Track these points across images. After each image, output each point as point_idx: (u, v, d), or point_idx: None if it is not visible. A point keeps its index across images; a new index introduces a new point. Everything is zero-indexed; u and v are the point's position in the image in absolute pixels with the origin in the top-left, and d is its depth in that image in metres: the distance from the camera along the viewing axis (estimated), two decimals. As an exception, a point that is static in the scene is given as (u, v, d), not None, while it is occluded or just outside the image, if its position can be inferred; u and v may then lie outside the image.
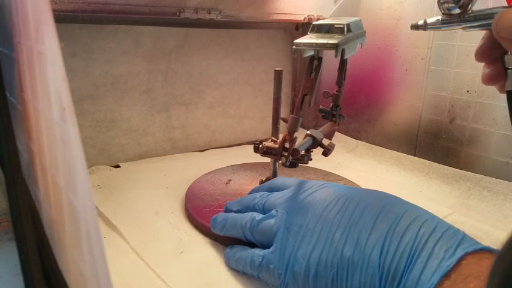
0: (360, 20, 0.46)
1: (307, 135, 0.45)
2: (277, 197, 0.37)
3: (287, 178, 0.42)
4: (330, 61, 0.78)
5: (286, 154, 0.41)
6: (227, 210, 0.42)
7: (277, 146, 0.41)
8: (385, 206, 0.31)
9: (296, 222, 0.33)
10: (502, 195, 0.54)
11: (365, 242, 0.29)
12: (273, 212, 0.36)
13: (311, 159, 0.46)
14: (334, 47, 0.39)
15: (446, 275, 0.26)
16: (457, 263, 0.26)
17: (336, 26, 0.42)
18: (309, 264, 0.31)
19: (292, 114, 0.42)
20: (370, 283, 0.28)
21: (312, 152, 0.45)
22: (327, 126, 0.51)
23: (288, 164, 0.41)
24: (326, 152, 0.46)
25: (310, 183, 0.37)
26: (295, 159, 0.44)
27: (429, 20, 0.35)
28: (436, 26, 0.34)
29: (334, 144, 0.47)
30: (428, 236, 0.28)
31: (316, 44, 0.40)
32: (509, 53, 0.31)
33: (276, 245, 0.33)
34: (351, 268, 0.29)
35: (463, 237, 0.28)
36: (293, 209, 0.34)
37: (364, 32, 0.47)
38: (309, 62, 0.42)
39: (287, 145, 0.41)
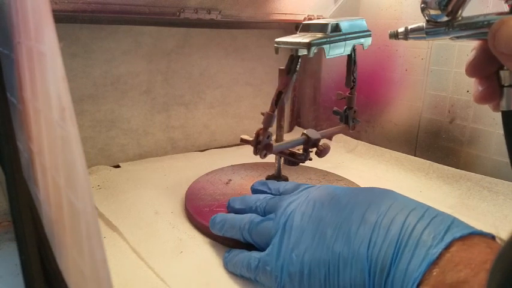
0: (362, 20, 0.46)
1: (303, 134, 0.46)
2: (277, 201, 0.37)
3: (296, 184, 0.42)
4: (330, 61, 0.78)
5: (259, 147, 0.41)
6: (229, 207, 0.42)
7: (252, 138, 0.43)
8: (374, 200, 0.31)
9: (292, 225, 0.33)
10: (502, 195, 0.54)
11: (354, 236, 0.29)
12: (272, 215, 0.36)
13: (310, 159, 0.46)
14: (306, 46, 0.39)
15: (435, 263, 0.25)
16: (446, 250, 0.25)
17: (320, 25, 0.42)
18: (303, 264, 0.31)
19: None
20: (360, 277, 0.28)
21: (311, 151, 0.45)
22: (336, 128, 0.51)
23: (263, 156, 0.42)
24: (318, 153, 0.46)
25: (311, 188, 0.37)
26: (294, 158, 0.44)
27: (411, 27, 0.29)
28: (419, 35, 0.29)
29: (328, 146, 0.47)
30: (415, 224, 0.27)
31: (291, 42, 0.40)
32: (505, 67, 0.26)
33: (272, 247, 0.33)
34: (342, 264, 0.29)
35: (452, 222, 0.27)
36: (291, 212, 0.34)
37: (366, 32, 0.47)
38: (288, 60, 0.42)
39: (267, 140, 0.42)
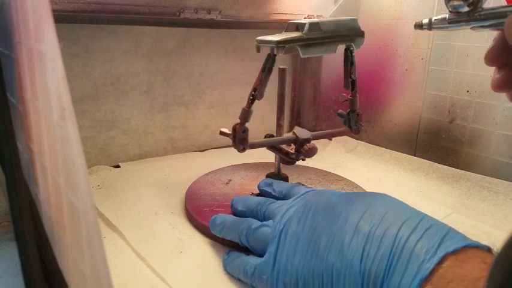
0: (355, 20, 0.45)
1: (292, 132, 0.46)
2: (276, 206, 0.37)
3: (299, 186, 0.41)
4: (331, 61, 0.78)
5: (236, 141, 0.42)
6: (232, 207, 0.42)
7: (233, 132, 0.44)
8: (369, 208, 0.30)
9: (288, 232, 0.33)
10: (502, 195, 0.54)
11: (347, 247, 0.28)
12: (270, 221, 0.36)
13: (303, 159, 0.46)
14: (275, 44, 0.39)
15: (427, 279, 0.24)
16: (439, 265, 0.24)
17: (299, 24, 0.42)
18: (297, 274, 0.30)
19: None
20: None
21: (302, 151, 0.45)
22: (338, 130, 0.51)
23: (241, 150, 0.43)
24: (304, 153, 0.46)
25: (310, 192, 0.37)
26: (287, 157, 0.44)
27: (435, 19, 0.32)
28: (442, 25, 0.31)
29: (315, 147, 0.46)
30: (408, 236, 0.26)
31: (265, 41, 0.40)
32: None
33: (268, 256, 0.33)
34: (335, 276, 0.28)
35: (447, 234, 0.26)
36: (287, 220, 0.34)
37: (358, 32, 0.45)
38: (266, 58, 0.42)
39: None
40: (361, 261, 0.27)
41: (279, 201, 0.39)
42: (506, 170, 0.56)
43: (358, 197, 0.32)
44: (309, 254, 0.30)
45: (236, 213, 0.41)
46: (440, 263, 0.25)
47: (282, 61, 0.80)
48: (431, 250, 0.25)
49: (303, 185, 0.50)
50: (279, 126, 0.48)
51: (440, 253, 0.25)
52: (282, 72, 0.47)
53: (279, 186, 0.43)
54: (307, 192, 0.37)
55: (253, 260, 0.34)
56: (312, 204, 0.34)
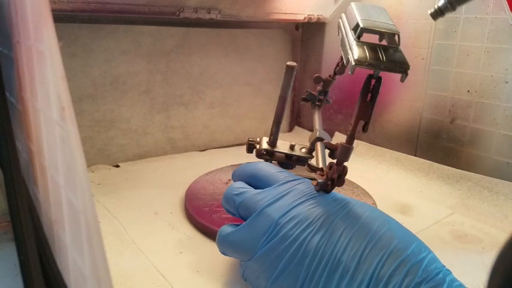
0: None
1: (317, 139, 0.41)
2: (259, 198, 0.33)
3: (271, 166, 0.37)
4: (330, 61, 0.78)
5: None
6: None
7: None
8: (371, 238, 0.28)
9: (280, 235, 0.30)
10: (502, 195, 0.54)
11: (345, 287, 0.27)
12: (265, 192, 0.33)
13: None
14: None
15: None
16: None
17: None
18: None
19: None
20: None
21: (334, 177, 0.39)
22: (318, 116, 0.48)
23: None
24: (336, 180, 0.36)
25: (298, 190, 0.33)
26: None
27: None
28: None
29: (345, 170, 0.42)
30: None
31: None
32: None
33: (256, 259, 0.31)
34: None
35: None
36: (278, 215, 0.31)
37: None
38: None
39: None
40: None
41: (257, 190, 0.34)
42: (506, 170, 0.56)
43: (359, 216, 0.30)
44: (300, 279, 0.28)
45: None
46: None
47: (281, 61, 0.80)
48: None
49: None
50: (278, 123, 0.46)
51: None
52: (290, 69, 0.43)
53: (253, 170, 0.37)
54: (311, 197, 0.33)
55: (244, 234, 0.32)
56: (302, 211, 0.31)
